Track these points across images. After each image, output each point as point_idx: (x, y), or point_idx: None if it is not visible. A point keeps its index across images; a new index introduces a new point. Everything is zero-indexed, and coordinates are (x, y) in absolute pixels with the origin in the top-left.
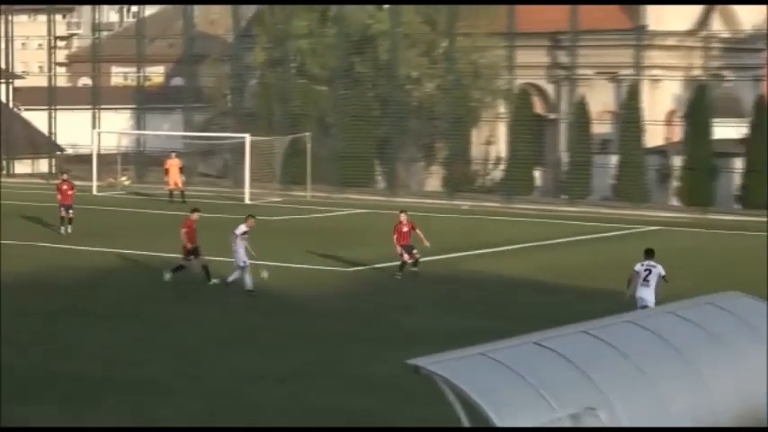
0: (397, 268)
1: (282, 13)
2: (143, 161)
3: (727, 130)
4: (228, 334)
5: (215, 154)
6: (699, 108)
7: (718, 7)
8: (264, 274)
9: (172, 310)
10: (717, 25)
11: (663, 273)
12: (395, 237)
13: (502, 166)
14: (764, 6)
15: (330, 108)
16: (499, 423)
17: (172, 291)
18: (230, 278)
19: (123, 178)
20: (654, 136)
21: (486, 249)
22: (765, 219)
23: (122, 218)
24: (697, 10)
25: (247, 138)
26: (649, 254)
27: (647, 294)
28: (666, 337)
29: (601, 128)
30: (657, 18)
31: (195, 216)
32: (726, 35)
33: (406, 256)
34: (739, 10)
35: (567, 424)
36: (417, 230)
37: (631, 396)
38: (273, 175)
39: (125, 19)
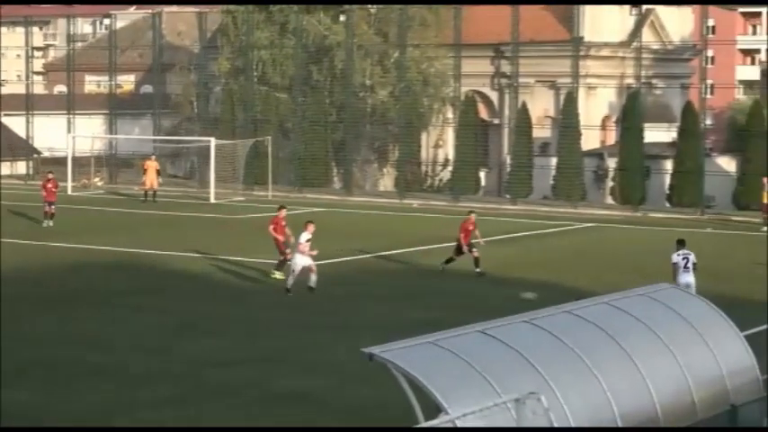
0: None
1: (245, 25)
2: (115, 163)
3: (657, 134)
4: (193, 323)
5: (182, 156)
6: (631, 114)
7: (649, 20)
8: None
9: (139, 300)
10: (648, 37)
11: (695, 260)
12: (461, 235)
13: (449, 168)
14: (692, 19)
15: (289, 114)
16: (447, 407)
17: (140, 283)
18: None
19: (96, 179)
20: (590, 139)
21: (434, 245)
22: (693, 216)
23: (97, 216)
24: (630, 22)
25: (212, 141)
26: (681, 243)
27: (691, 279)
28: (602, 326)
29: (541, 132)
30: (593, 30)
31: (283, 213)
32: (656, 46)
33: (475, 252)
34: (668, 23)
35: (511, 408)
36: (477, 231)
37: (572, 382)
38: (237, 176)
39: (98, 30)
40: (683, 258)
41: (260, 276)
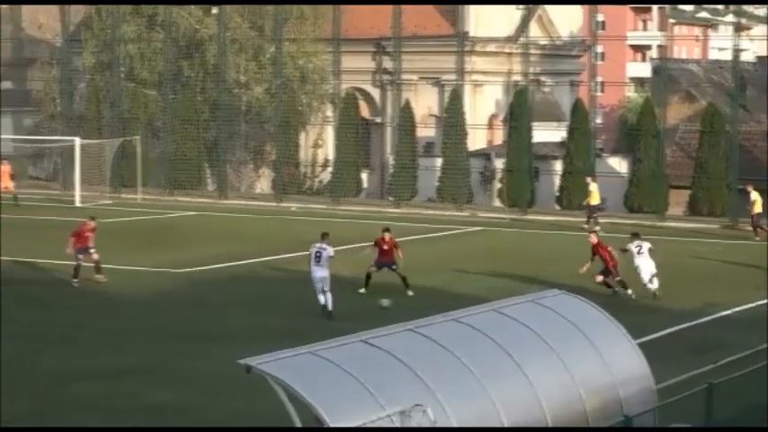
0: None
1: (111, 18)
2: None
3: (546, 133)
4: (52, 333)
5: (44, 157)
6: (519, 112)
7: (537, 15)
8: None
9: None
10: (535, 32)
11: (651, 246)
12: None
13: (330, 169)
14: (580, 15)
15: (159, 112)
16: (330, 421)
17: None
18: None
19: None
20: (476, 139)
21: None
22: (583, 218)
23: None
24: (516, 17)
25: (77, 141)
26: (636, 236)
27: (643, 262)
28: (490, 335)
29: (425, 131)
30: (478, 25)
31: (92, 224)
32: (544, 42)
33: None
34: (556, 18)
35: (397, 421)
36: (398, 251)
37: (459, 392)
38: (103, 178)
39: None
40: (637, 246)
41: (128, 283)
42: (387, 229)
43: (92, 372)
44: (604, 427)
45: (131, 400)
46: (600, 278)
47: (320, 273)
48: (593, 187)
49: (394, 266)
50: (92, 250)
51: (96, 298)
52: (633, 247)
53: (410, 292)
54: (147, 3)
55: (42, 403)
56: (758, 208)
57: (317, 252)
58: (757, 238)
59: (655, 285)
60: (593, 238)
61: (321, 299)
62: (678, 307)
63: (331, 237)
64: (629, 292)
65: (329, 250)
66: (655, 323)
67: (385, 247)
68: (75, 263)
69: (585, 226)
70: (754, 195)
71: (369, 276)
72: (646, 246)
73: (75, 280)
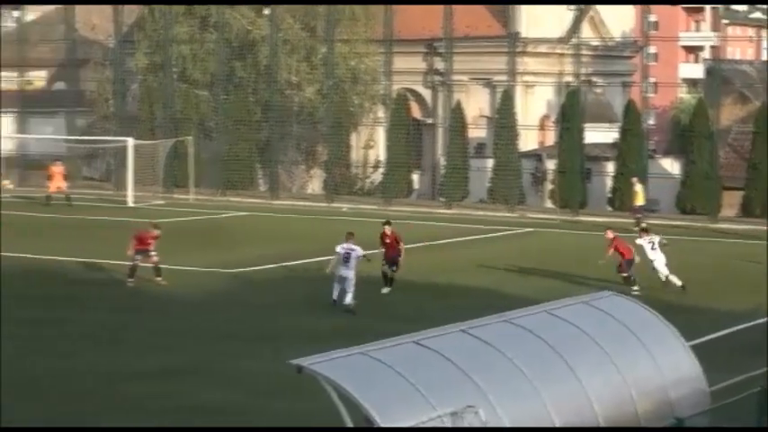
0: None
1: (164, 19)
2: (26, 165)
3: (598, 134)
4: (104, 333)
5: (98, 157)
6: (571, 113)
7: (589, 15)
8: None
9: (49, 310)
10: (587, 33)
11: (664, 241)
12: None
13: (381, 170)
14: (632, 15)
15: (211, 112)
16: (381, 421)
17: (48, 291)
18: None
19: (6, 182)
20: (528, 140)
21: (364, 251)
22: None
23: (4, 221)
24: (568, 18)
25: (130, 141)
26: (645, 231)
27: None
28: (542, 336)
29: (476, 132)
30: (530, 25)
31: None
32: (596, 42)
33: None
34: (608, 19)
35: (448, 422)
36: (401, 244)
37: (510, 394)
38: (156, 178)
39: (7, 23)
40: (650, 242)
41: (181, 283)
42: (387, 222)
43: (138, 372)
44: (656, 427)
45: (178, 400)
46: (624, 273)
47: (346, 273)
48: (639, 188)
49: (394, 267)
50: (152, 253)
51: (147, 298)
52: (646, 242)
53: (385, 290)
54: (201, 3)
55: (87, 402)
56: None
57: (345, 253)
58: None
59: (676, 279)
60: (610, 234)
61: (335, 293)
62: (731, 309)
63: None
64: (636, 288)
65: (358, 251)
66: (706, 325)
67: (387, 241)
68: (131, 263)
69: (636, 229)
70: None
71: (385, 275)
72: (657, 240)
73: (131, 280)
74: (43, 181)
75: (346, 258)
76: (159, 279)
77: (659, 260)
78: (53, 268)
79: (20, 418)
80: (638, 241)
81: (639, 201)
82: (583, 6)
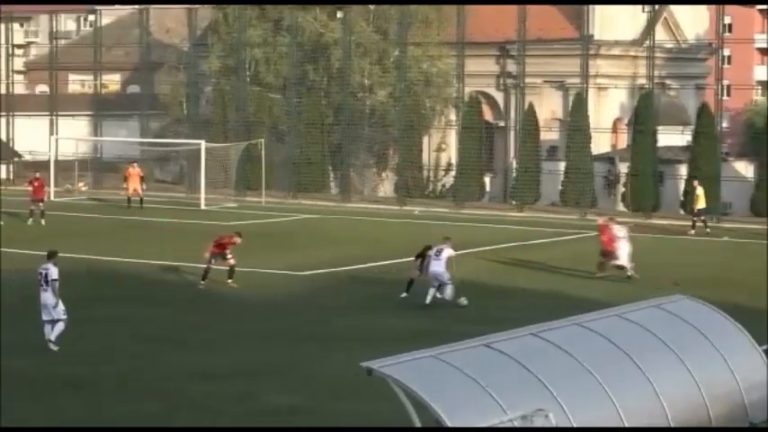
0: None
1: (237, 23)
2: (100, 167)
3: (671, 137)
4: (179, 334)
5: (170, 160)
6: (644, 116)
7: (662, 17)
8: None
9: (122, 310)
10: (661, 35)
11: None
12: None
13: (453, 173)
14: (707, 16)
15: (284, 115)
16: (451, 425)
17: (121, 292)
18: (450, 296)
19: (81, 184)
20: (600, 143)
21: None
22: (709, 223)
23: (80, 223)
24: (642, 20)
25: (203, 144)
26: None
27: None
28: (613, 339)
29: (549, 135)
30: (603, 28)
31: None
32: (669, 45)
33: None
34: (682, 20)
35: (518, 425)
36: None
37: (581, 397)
38: (228, 181)
39: (82, 27)
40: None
41: (254, 284)
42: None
43: (207, 373)
44: (730, 427)
45: (248, 401)
46: (612, 263)
47: (437, 268)
48: (700, 191)
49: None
50: (228, 256)
51: (219, 300)
52: (618, 231)
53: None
54: (274, 3)
55: (157, 402)
56: None
57: (436, 251)
58: None
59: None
60: (601, 220)
61: (431, 294)
62: None
63: (453, 240)
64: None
65: (448, 250)
66: None
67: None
68: (206, 265)
69: (691, 232)
70: None
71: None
72: (624, 230)
73: (203, 282)
74: (118, 183)
75: (438, 254)
76: (230, 281)
77: (624, 250)
78: (125, 270)
79: (105, 418)
80: (616, 231)
81: (701, 204)
82: (656, 8)
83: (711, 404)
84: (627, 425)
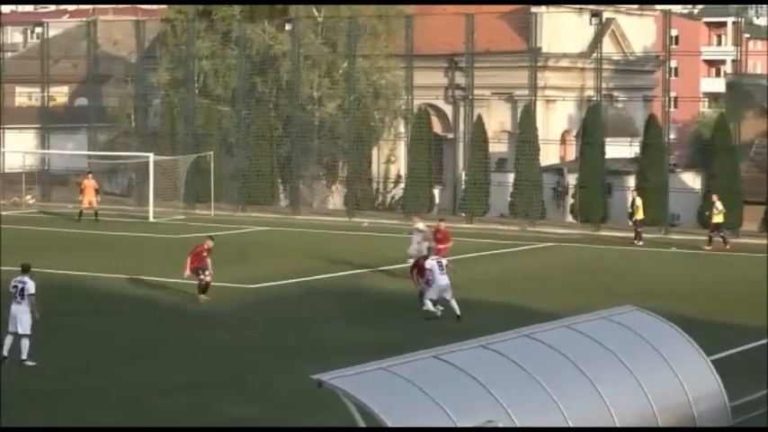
0: None
1: (185, 35)
2: (48, 180)
3: (619, 148)
4: (134, 346)
5: (119, 173)
6: (592, 127)
7: (610, 29)
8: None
9: (80, 321)
10: (608, 47)
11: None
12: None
13: (402, 185)
14: (654, 29)
15: (233, 128)
16: None
17: (75, 306)
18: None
19: (28, 197)
20: (549, 154)
21: (385, 266)
22: (657, 234)
23: (29, 236)
24: (589, 32)
25: (151, 157)
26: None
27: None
28: (563, 351)
29: (497, 147)
30: (551, 40)
31: (209, 244)
32: (617, 57)
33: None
34: (630, 32)
35: None
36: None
37: (531, 409)
38: (177, 194)
39: (29, 40)
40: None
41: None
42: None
43: (166, 385)
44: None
45: (202, 413)
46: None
47: (444, 281)
48: (639, 202)
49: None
50: (207, 272)
51: (172, 312)
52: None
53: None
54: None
55: (113, 416)
56: None
57: (438, 264)
58: None
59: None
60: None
61: (431, 306)
62: (753, 324)
63: (406, 252)
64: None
65: (443, 261)
66: (728, 340)
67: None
68: (197, 281)
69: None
70: None
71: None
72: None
73: (202, 296)
74: (67, 196)
75: (441, 267)
76: (203, 297)
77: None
78: (80, 283)
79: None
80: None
81: (639, 215)
82: (604, 20)
83: (660, 414)
84: None
